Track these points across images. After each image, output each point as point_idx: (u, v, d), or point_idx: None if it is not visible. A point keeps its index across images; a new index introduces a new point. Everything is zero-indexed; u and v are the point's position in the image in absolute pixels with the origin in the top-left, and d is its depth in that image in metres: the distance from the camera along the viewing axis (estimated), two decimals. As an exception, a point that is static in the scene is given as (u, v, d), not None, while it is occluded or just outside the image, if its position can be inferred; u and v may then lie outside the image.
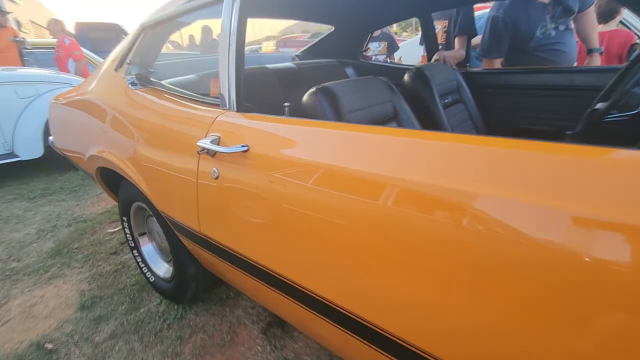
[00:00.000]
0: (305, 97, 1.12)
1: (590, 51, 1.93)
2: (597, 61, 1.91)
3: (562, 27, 1.87)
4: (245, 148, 0.91)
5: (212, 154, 1.00)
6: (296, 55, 2.44)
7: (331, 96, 1.10)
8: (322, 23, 2.22)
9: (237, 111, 1.02)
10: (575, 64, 2.00)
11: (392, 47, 3.87)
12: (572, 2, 1.83)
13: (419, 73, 1.59)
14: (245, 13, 1.02)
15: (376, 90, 1.28)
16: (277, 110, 1.02)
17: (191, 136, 1.08)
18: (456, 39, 2.18)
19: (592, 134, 1.20)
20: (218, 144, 0.98)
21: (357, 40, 2.34)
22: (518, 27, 1.86)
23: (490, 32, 1.93)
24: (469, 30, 2.16)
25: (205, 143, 0.98)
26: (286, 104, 1.04)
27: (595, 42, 1.92)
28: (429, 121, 1.51)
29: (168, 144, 1.17)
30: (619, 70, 1.17)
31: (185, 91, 1.25)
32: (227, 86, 1.04)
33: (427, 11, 2.02)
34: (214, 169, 0.99)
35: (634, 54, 1.45)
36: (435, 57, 2.05)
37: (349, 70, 2.19)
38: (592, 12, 1.91)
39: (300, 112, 1.10)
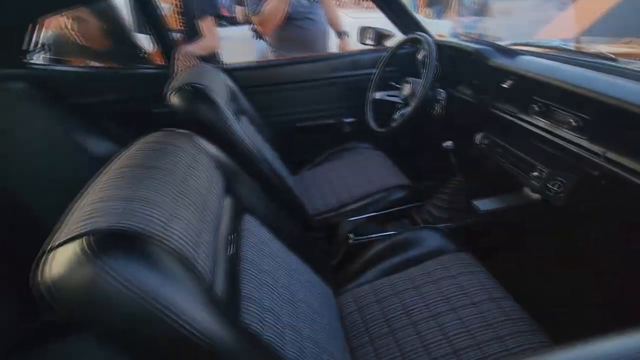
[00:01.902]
0: None
1: (338, 34, 1.93)
2: (346, 44, 1.93)
3: None
4: None
5: None
6: None
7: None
8: None
9: None
10: (326, 39, 1.96)
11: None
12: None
13: (193, 92, 1.00)
14: None
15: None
16: None
17: None
18: (200, 23, 1.64)
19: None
20: None
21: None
22: None
23: None
24: (211, 6, 1.67)
25: None
26: None
27: (339, 26, 1.92)
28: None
29: None
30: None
31: None
32: None
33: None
34: None
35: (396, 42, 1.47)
36: (177, 56, 1.46)
37: None
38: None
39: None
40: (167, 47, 1.52)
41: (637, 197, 0.95)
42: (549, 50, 1.15)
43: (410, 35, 1.37)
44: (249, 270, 0.63)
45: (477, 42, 1.20)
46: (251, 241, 0.71)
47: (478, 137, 1.27)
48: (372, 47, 1.71)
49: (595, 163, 0.87)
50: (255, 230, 0.76)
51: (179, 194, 0.56)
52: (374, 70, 1.57)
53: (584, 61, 0.99)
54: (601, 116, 0.84)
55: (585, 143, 0.89)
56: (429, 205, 1.22)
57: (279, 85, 1.61)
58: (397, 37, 1.67)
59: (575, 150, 0.91)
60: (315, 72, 1.59)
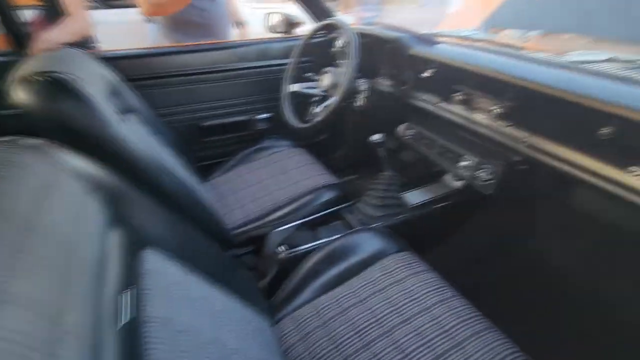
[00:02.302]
0: None
1: (236, 24, 1.72)
2: (246, 35, 1.74)
3: None
4: None
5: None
6: None
7: None
8: None
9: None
10: (229, 24, 1.73)
11: None
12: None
13: (51, 83, 0.71)
14: None
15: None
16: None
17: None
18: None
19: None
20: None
21: None
22: None
23: None
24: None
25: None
26: None
27: (236, 14, 1.72)
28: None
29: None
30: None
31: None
32: None
33: None
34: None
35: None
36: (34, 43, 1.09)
37: None
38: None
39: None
40: (15, 27, 1.12)
41: (557, 180, 1.01)
42: (460, 40, 1.16)
43: (327, 21, 1.26)
44: (158, 338, 0.44)
45: (396, 30, 1.15)
46: (157, 289, 0.51)
47: (401, 129, 1.24)
48: (281, 36, 1.56)
49: (518, 149, 0.88)
50: (162, 270, 0.55)
51: (17, 250, 0.33)
52: (285, 61, 1.42)
53: (496, 50, 1.01)
54: (523, 102, 0.84)
55: (509, 130, 0.89)
56: (362, 204, 1.14)
57: (176, 77, 1.35)
58: (307, 25, 1.55)
59: (499, 138, 0.92)
60: (219, 61, 1.37)
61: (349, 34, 1.09)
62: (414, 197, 1.19)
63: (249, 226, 1.11)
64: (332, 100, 1.16)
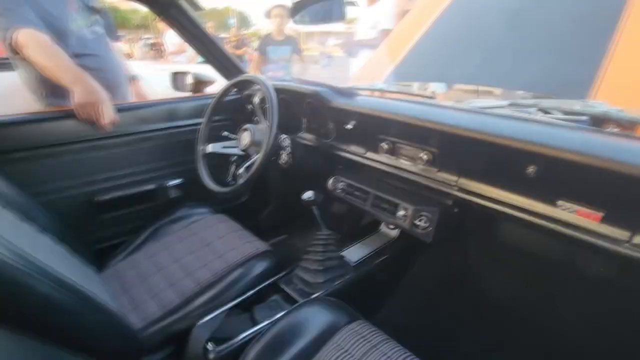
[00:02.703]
0: None
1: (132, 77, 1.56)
2: (140, 89, 1.58)
3: (97, 30, 1.34)
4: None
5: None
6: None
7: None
8: None
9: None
10: (126, 84, 1.53)
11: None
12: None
13: None
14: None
15: None
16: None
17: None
18: None
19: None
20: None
21: None
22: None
23: None
24: None
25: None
26: None
27: (125, 69, 1.55)
28: None
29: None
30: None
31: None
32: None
33: None
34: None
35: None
36: None
37: None
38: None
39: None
40: None
41: (489, 219, 1.03)
42: (377, 92, 1.20)
43: (242, 77, 1.19)
44: None
45: (313, 84, 1.13)
46: None
47: (330, 183, 1.18)
48: (189, 95, 1.45)
49: (449, 193, 0.88)
50: None
51: None
52: (196, 120, 1.31)
53: (413, 100, 1.05)
54: (447, 147, 0.85)
55: (439, 175, 0.89)
56: (300, 271, 1.01)
57: (59, 147, 1.11)
58: (219, 83, 1.48)
59: (430, 183, 0.91)
60: (117, 124, 1.18)
61: (266, 89, 1.03)
62: (355, 253, 1.11)
63: (166, 321, 0.89)
64: (255, 159, 1.05)
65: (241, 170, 1.06)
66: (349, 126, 1.05)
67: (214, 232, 1.15)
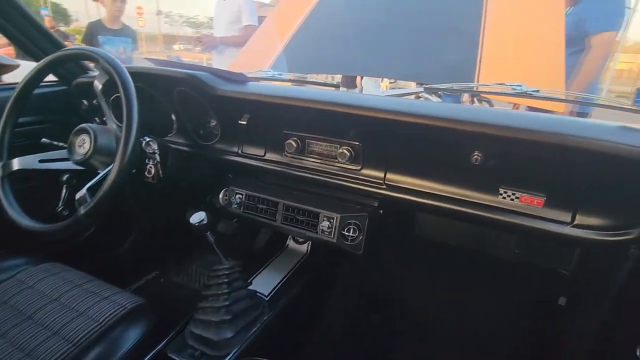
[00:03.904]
0: None
1: None
2: None
3: None
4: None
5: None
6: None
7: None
8: None
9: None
10: None
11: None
12: None
13: None
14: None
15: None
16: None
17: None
18: None
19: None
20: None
21: None
22: None
23: None
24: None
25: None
26: None
27: None
28: None
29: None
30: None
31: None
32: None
33: None
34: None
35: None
36: None
37: None
38: None
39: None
40: None
41: (406, 217, 0.94)
42: (271, 80, 0.99)
43: (68, 51, 0.79)
44: None
45: (185, 66, 0.83)
46: None
47: (221, 197, 0.91)
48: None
49: (376, 192, 0.75)
50: None
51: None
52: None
53: (321, 85, 0.88)
54: (372, 137, 0.72)
55: (362, 174, 0.75)
56: (197, 327, 0.70)
57: None
58: (24, 67, 1.00)
59: (353, 184, 0.76)
60: None
61: (114, 67, 0.69)
62: (264, 283, 0.87)
63: None
64: (104, 173, 0.69)
65: (82, 193, 0.67)
66: (242, 121, 0.81)
67: (44, 294, 0.73)
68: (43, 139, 0.83)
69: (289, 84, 0.99)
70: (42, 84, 0.93)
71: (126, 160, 0.65)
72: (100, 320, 0.67)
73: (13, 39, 0.93)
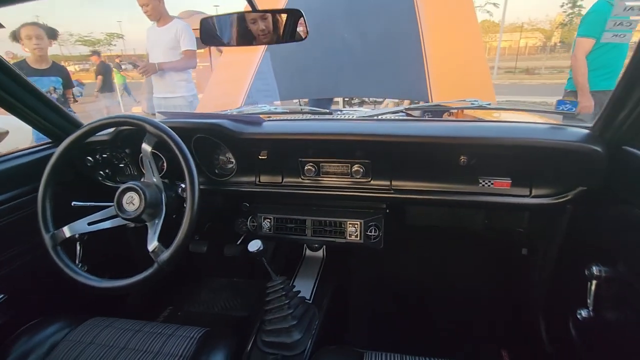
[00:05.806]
0: None
1: None
2: None
3: None
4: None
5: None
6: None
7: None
8: None
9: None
10: None
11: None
12: None
13: None
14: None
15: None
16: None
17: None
18: None
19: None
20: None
21: None
22: None
23: None
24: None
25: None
26: None
27: None
28: None
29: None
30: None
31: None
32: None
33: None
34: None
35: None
36: None
37: None
38: None
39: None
40: None
41: (400, 209, 1.15)
42: (273, 115, 1.12)
43: (113, 118, 0.84)
44: None
45: (199, 116, 0.93)
46: None
47: (249, 224, 1.03)
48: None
49: (385, 197, 0.94)
50: None
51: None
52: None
53: (317, 118, 1.04)
54: (382, 156, 0.91)
55: (372, 184, 0.94)
56: (270, 336, 0.82)
57: None
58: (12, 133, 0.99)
59: (366, 193, 0.95)
60: None
61: (167, 134, 0.78)
62: (304, 289, 1.01)
63: None
64: (156, 225, 0.77)
65: (155, 244, 0.75)
66: (262, 157, 0.94)
67: (108, 345, 0.78)
68: (73, 203, 0.87)
69: (292, 114, 1.13)
70: (31, 149, 0.96)
71: (195, 209, 0.75)
72: (181, 355, 0.76)
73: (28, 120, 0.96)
